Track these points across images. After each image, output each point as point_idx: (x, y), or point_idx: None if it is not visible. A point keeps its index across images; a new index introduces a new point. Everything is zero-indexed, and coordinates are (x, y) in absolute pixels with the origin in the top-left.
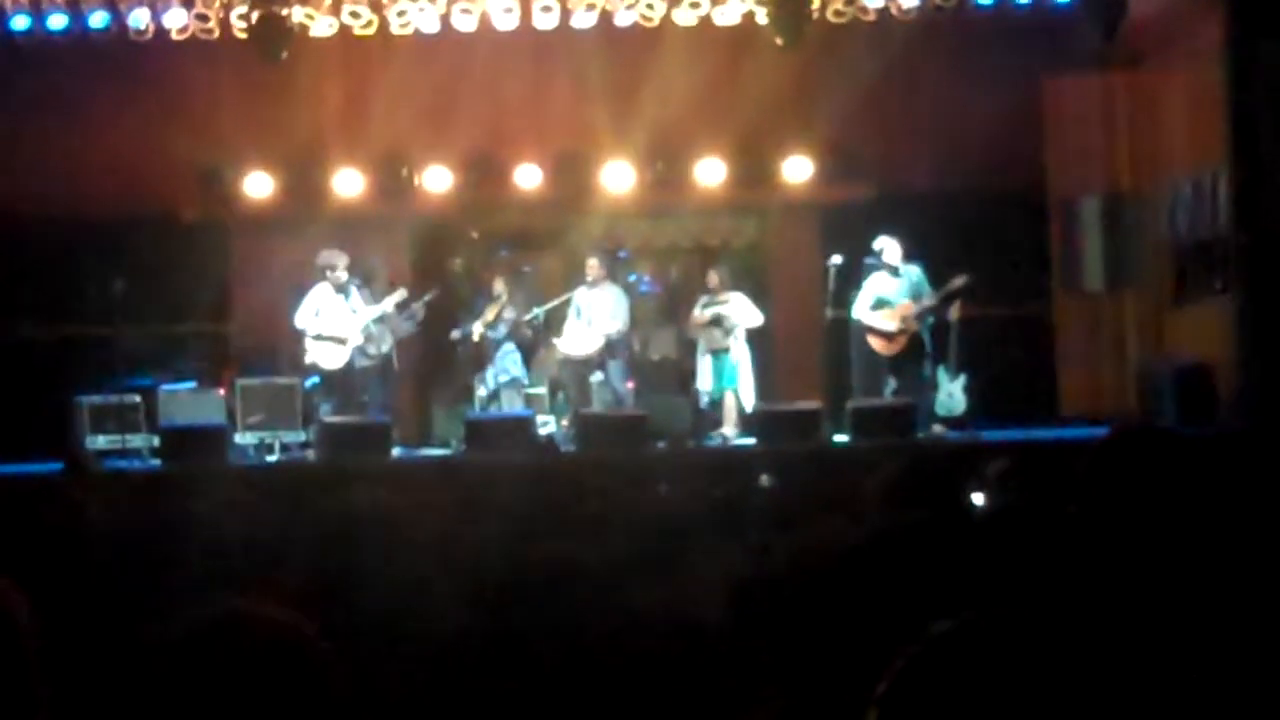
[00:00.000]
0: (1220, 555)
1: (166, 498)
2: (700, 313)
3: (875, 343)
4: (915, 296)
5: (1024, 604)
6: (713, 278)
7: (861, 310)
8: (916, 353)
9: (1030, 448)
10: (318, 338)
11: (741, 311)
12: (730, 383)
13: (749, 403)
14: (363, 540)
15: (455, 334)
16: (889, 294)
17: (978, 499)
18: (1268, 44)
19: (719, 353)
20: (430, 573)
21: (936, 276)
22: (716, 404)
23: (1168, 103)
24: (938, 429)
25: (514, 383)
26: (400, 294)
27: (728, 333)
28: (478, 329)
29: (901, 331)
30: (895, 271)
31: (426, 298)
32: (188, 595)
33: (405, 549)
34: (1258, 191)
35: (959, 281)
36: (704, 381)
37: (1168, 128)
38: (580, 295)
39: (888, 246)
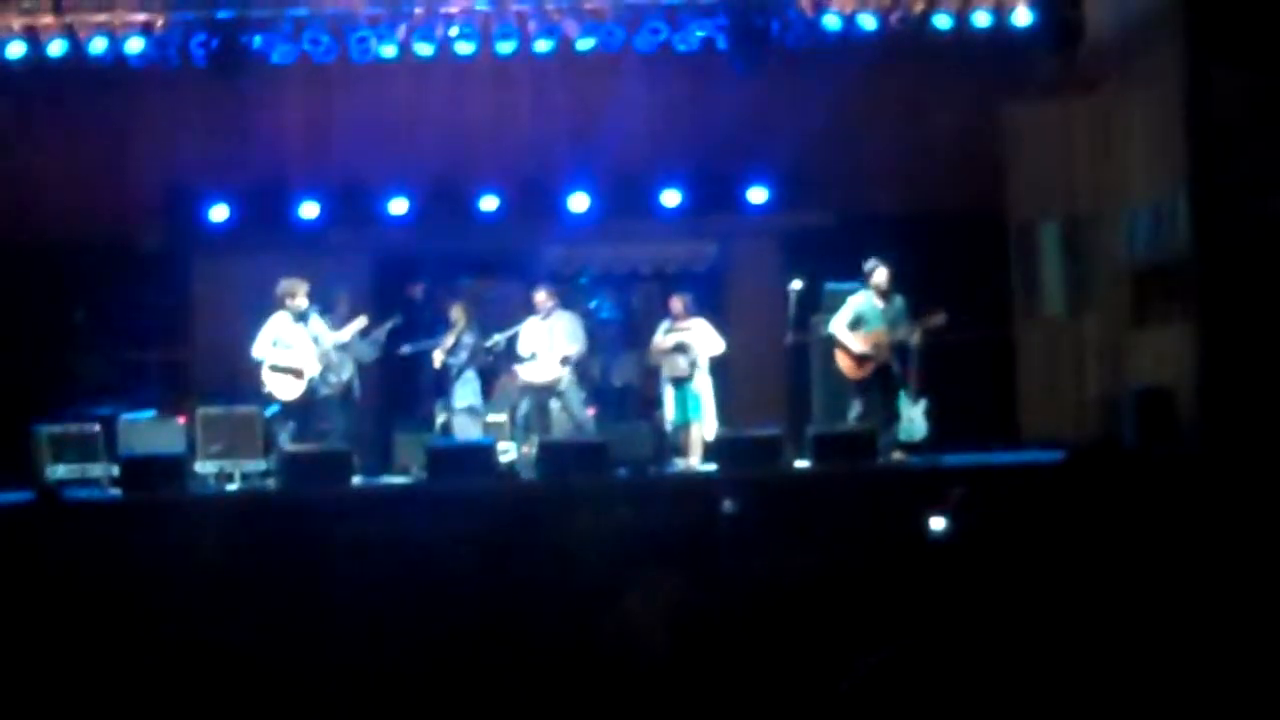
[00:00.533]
0: (1180, 571)
1: (133, 528)
2: (662, 339)
3: (843, 363)
4: (892, 326)
5: (965, 630)
6: (676, 304)
7: (838, 326)
8: (884, 381)
9: (990, 472)
10: (274, 368)
11: (704, 339)
12: (694, 414)
13: (711, 433)
14: (325, 568)
15: (405, 349)
16: (868, 317)
17: (937, 524)
18: (1223, 69)
19: (681, 381)
20: (392, 600)
21: (909, 306)
22: (680, 433)
23: (1126, 127)
24: (898, 455)
25: (471, 410)
26: (361, 322)
27: (690, 361)
28: (438, 356)
29: (870, 358)
30: (884, 295)
31: (389, 325)
32: (159, 621)
33: (368, 577)
34: (1216, 216)
35: (937, 320)
36: (668, 410)
37: (1126, 152)
38: (533, 327)
39: (877, 271)
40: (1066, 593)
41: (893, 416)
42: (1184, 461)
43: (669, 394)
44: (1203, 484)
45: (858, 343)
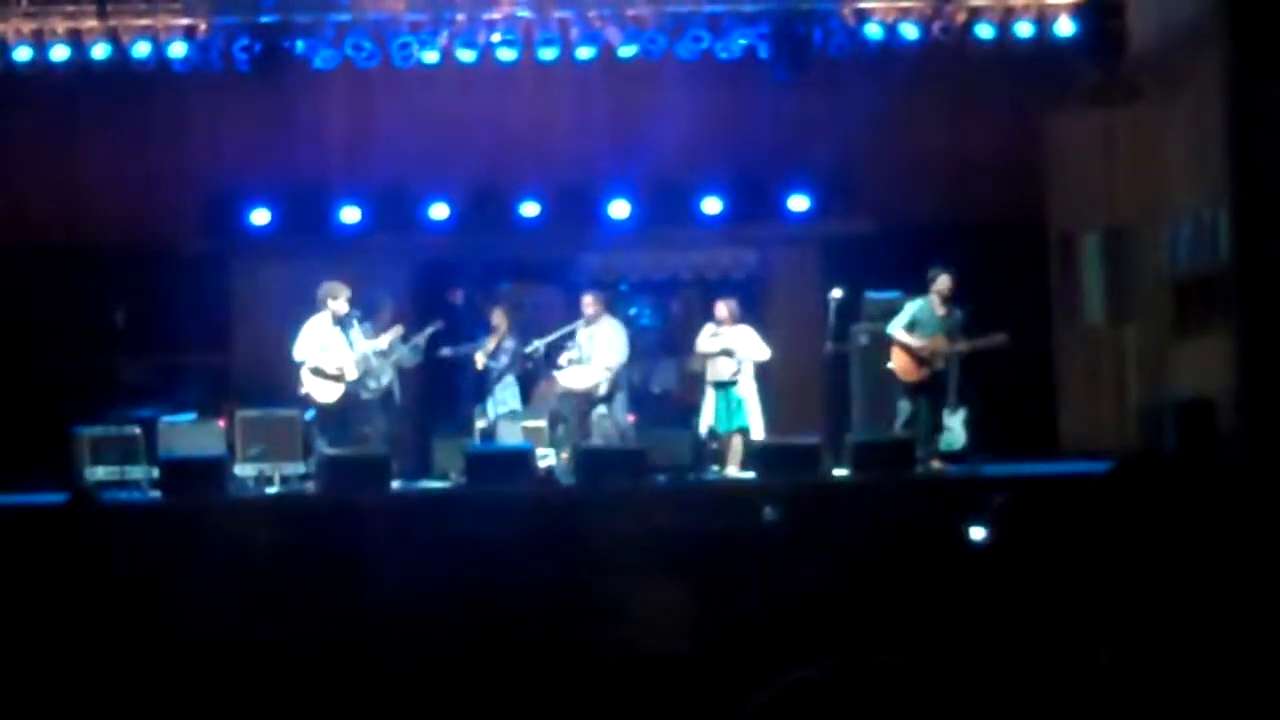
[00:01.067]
0: (1225, 581)
1: (172, 530)
2: (708, 342)
3: (899, 362)
4: (950, 336)
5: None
6: (721, 309)
7: (896, 329)
8: (933, 388)
9: (1030, 482)
10: (314, 371)
11: (749, 345)
12: (739, 420)
13: (760, 436)
14: (364, 572)
15: (446, 350)
16: (925, 323)
17: (977, 533)
18: (1267, 83)
19: (725, 385)
20: (431, 604)
21: (967, 319)
22: (721, 440)
23: (1168, 138)
24: (937, 464)
25: (512, 415)
26: (398, 330)
27: (737, 364)
28: (480, 359)
29: (927, 362)
30: (947, 302)
31: (430, 330)
32: (197, 623)
33: (407, 581)
34: (1258, 227)
35: (998, 339)
36: (708, 415)
37: (1168, 163)
38: (578, 333)
39: (941, 278)
40: (1109, 604)
41: (937, 426)
42: (1228, 471)
43: (710, 398)
44: (1247, 494)
45: (917, 340)
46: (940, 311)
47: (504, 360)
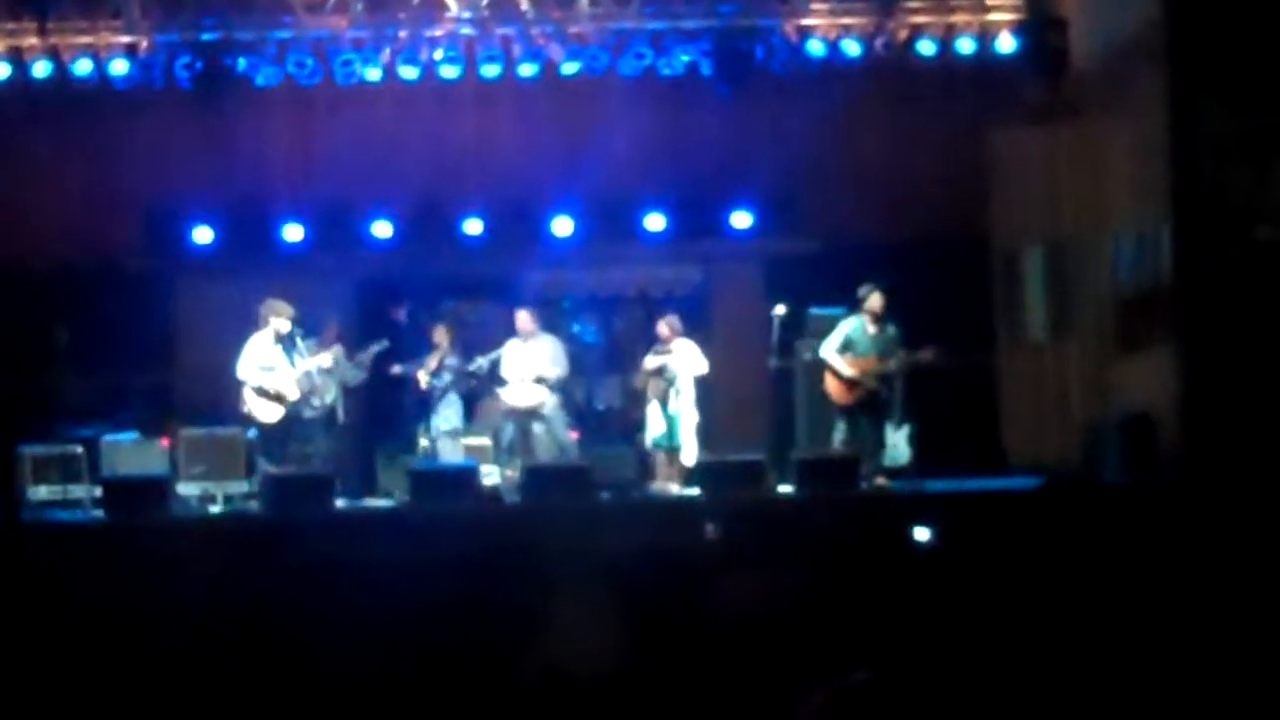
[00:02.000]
0: (1152, 598)
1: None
2: (648, 362)
3: (831, 386)
4: (883, 355)
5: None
6: (663, 327)
7: (828, 350)
8: (871, 408)
9: (972, 498)
10: (257, 390)
11: (687, 360)
12: (674, 437)
13: (691, 457)
14: (308, 590)
15: (396, 368)
16: (859, 342)
17: (921, 535)
18: (1208, 100)
19: (663, 403)
20: (375, 621)
21: (901, 336)
22: (664, 455)
23: (1110, 154)
24: (881, 480)
25: (454, 433)
26: (337, 351)
27: (669, 383)
28: (422, 377)
29: (859, 384)
30: (879, 320)
31: (375, 348)
32: (141, 641)
33: (351, 598)
34: (1199, 243)
35: (927, 354)
36: (654, 431)
37: (1110, 179)
38: (514, 348)
39: (872, 296)
40: (1041, 616)
41: (879, 443)
42: (1159, 493)
43: (655, 414)
44: (1176, 515)
45: (846, 367)
46: (873, 330)
47: (447, 378)
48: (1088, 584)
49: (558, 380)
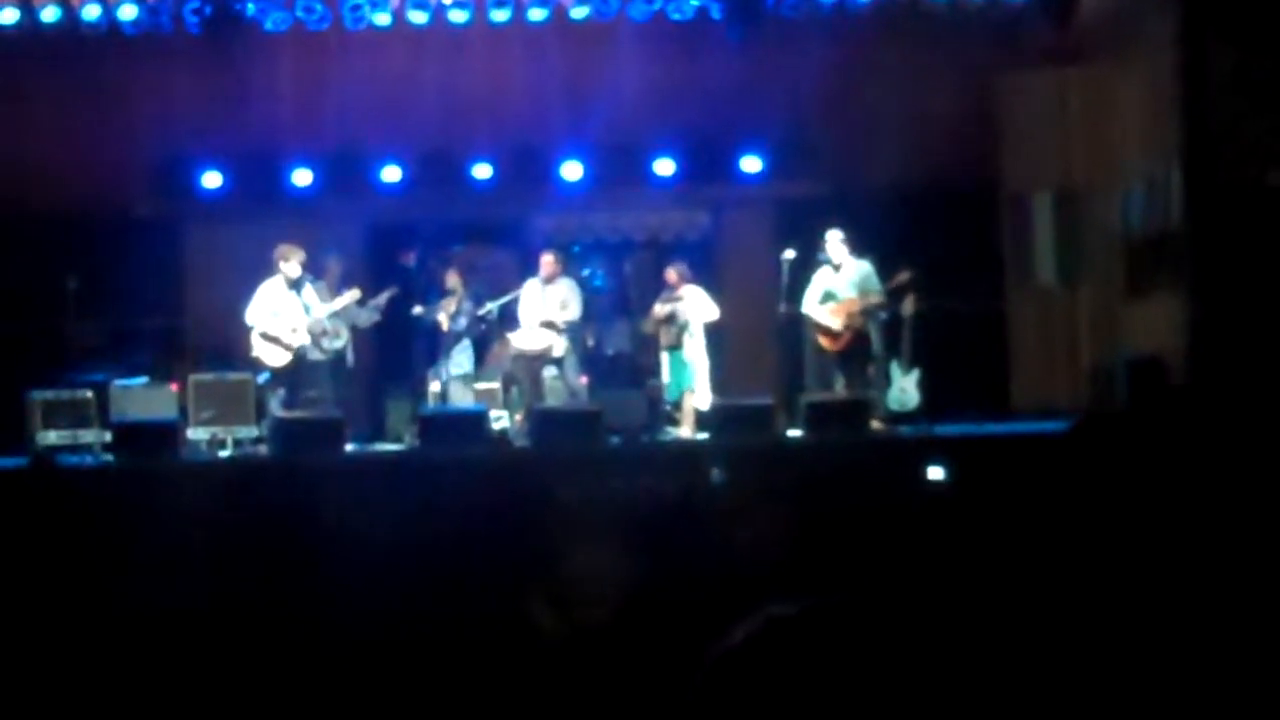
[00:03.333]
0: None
1: (125, 494)
2: (658, 309)
3: (822, 340)
4: (863, 292)
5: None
6: (671, 273)
7: (810, 305)
8: (862, 350)
9: (982, 442)
10: (264, 336)
11: (696, 306)
12: (686, 383)
13: (705, 402)
14: (317, 534)
15: (418, 309)
16: (836, 288)
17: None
18: (1219, 44)
19: (673, 350)
20: (384, 565)
21: (887, 271)
22: (675, 403)
23: (1120, 99)
24: (876, 424)
25: (465, 378)
26: (354, 294)
27: (681, 329)
28: (444, 320)
29: (846, 328)
30: (838, 267)
31: (387, 294)
32: (150, 586)
33: (360, 543)
34: (1209, 188)
35: (903, 276)
36: (667, 376)
37: (1120, 123)
38: (533, 290)
39: (831, 240)
40: (1067, 565)
41: (885, 383)
42: (1179, 428)
43: (665, 360)
44: (1199, 450)
45: (830, 317)
46: (846, 272)
47: (462, 323)
48: (1116, 525)
49: (569, 324)
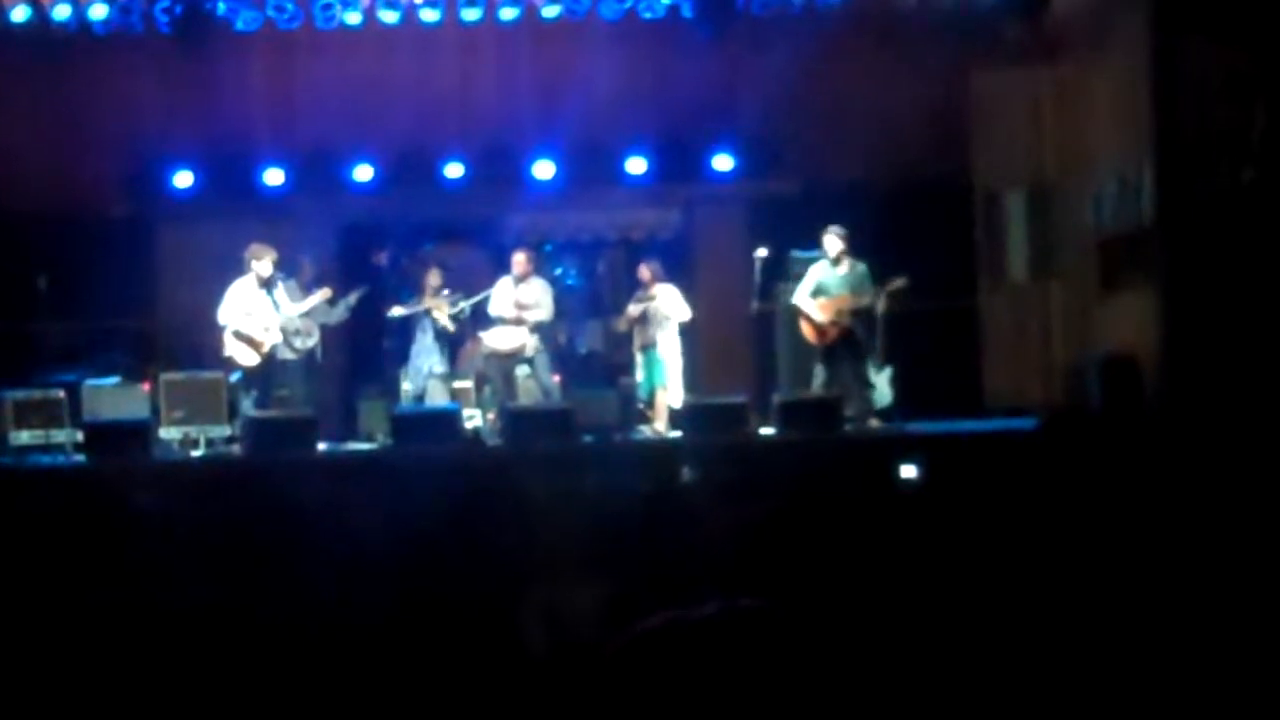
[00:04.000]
0: (1151, 537)
1: (97, 494)
2: (631, 308)
3: (807, 331)
4: (855, 292)
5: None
6: (644, 271)
7: (800, 297)
8: (846, 348)
9: (953, 440)
10: (237, 335)
11: (669, 305)
12: (659, 380)
13: (677, 400)
14: (290, 533)
15: (398, 310)
16: (829, 284)
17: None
18: (1190, 40)
19: (647, 348)
20: (357, 564)
21: (873, 271)
22: (648, 400)
23: (1092, 95)
24: (873, 421)
25: (440, 375)
26: (325, 293)
27: (655, 327)
28: (440, 317)
29: (834, 324)
30: (835, 263)
31: (357, 293)
32: (124, 583)
33: (333, 542)
34: (1181, 184)
35: (898, 283)
36: (640, 375)
37: (1092, 120)
38: (505, 289)
39: (829, 239)
40: (1036, 564)
41: (863, 383)
42: (1151, 425)
43: (638, 360)
44: (1170, 447)
45: (819, 311)
46: (839, 270)
47: (446, 321)
48: (1085, 522)
49: (539, 323)
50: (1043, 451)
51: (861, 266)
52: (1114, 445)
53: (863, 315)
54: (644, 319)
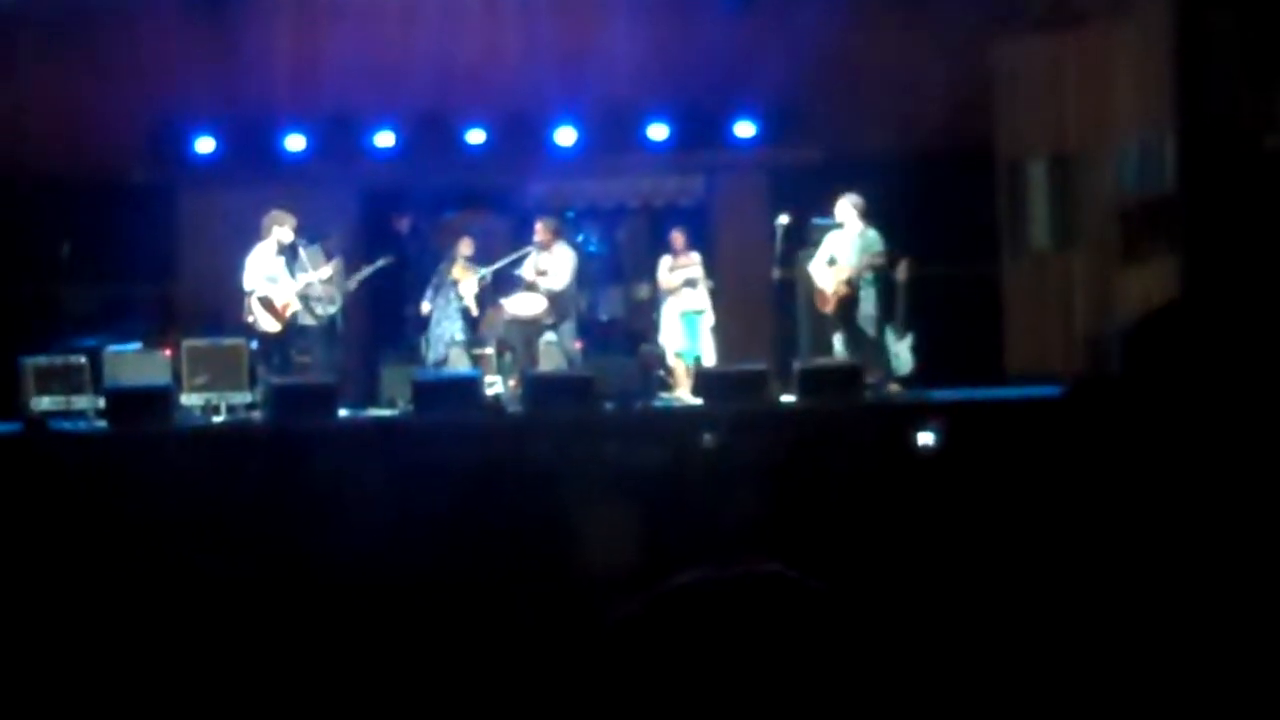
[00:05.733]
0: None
1: (119, 459)
2: (670, 275)
3: (816, 298)
4: (872, 255)
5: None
6: (678, 238)
7: (814, 265)
8: (852, 313)
9: (975, 406)
10: (261, 300)
11: (700, 270)
12: (696, 347)
13: (710, 362)
14: (312, 499)
15: (425, 306)
16: (841, 253)
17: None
18: (1213, 7)
19: (692, 313)
20: (378, 530)
21: (888, 238)
22: (685, 365)
23: (1115, 64)
24: (894, 387)
25: (461, 343)
26: (338, 262)
27: (698, 292)
28: (466, 295)
29: (835, 291)
30: (849, 230)
31: (380, 263)
32: (146, 549)
33: (354, 507)
34: (1204, 153)
35: (879, 259)
36: (675, 342)
37: (1115, 89)
38: (529, 257)
39: (842, 204)
40: (1062, 533)
41: (879, 349)
42: (1175, 391)
43: (676, 325)
44: (1188, 415)
45: (825, 279)
46: (852, 239)
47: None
48: (1107, 493)
49: (565, 290)
50: (1067, 418)
51: (872, 233)
52: (1140, 412)
53: (872, 279)
54: (687, 285)
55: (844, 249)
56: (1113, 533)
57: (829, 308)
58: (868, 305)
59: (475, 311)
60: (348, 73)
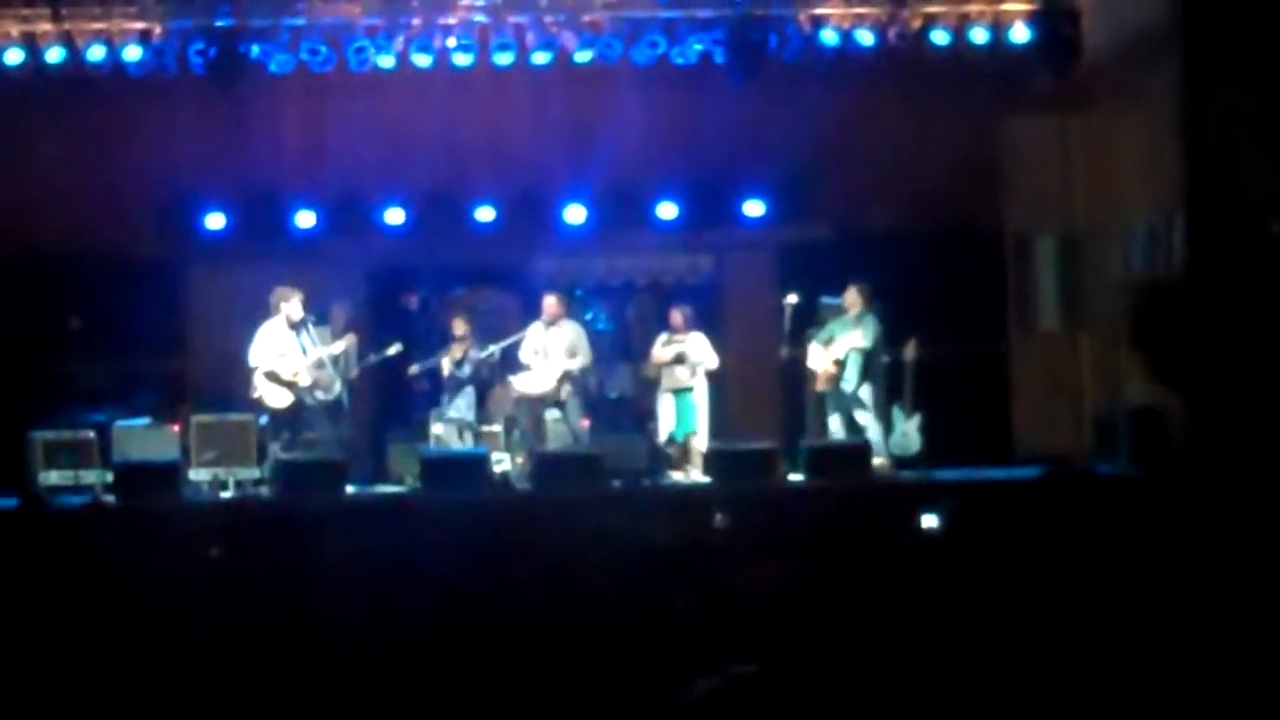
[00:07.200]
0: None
1: (126, 535)
2: (661, 351)
3: (809, 379)
4: (868, 340)
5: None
6: (676, 316)
7: (813, 347)
8: (838, 395)
9: (981, 488)
10: (269, 376)
11: (701, 351)
12: (690, 426)
13: (703, 445)
14: (319, 576)
15: (414, 369)
16: (838, 335)
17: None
18: (1220, 88)
19: (681, 391)
20: (385, 608)
21: (894, 320)
22: (679, 445)
23: (1123, 144)
24: (878, 460)
25: (467, 424)
26: (351, 339)
27: (691, 371)
28: (446, 364)
29: (825, 371)
30: (857, 319)
31: (389, 351)
32: (151, 628)
33: (361, 585)
34: (1211, 233)
35: (909, 349)
36: (666, 422)
37: (1123, 169)
38: (536, 334)
39: (850, 294)
40: (1035, 606)
41: (857, 426)
42: (1159, 486)
43: (668, 403)
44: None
45: (812, 359)
46: (851, 320)
47: (467, 370)
48: (1085, 577)
49: (580, 369)
50: (1041, 502)
51: (870, 318)
52: (1113, 501)
53: (858, 360)
54: (680, 361)
55: (839, 334)
56: (1113, 617)
57: (819, 386)
58: (848, 385)
59: (446, 372)
60: (358, 150)
